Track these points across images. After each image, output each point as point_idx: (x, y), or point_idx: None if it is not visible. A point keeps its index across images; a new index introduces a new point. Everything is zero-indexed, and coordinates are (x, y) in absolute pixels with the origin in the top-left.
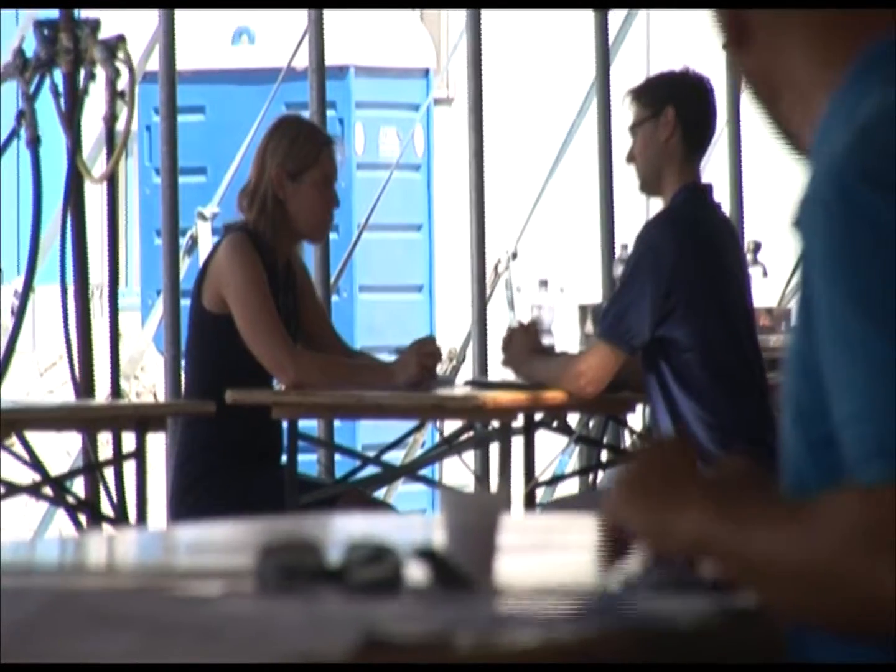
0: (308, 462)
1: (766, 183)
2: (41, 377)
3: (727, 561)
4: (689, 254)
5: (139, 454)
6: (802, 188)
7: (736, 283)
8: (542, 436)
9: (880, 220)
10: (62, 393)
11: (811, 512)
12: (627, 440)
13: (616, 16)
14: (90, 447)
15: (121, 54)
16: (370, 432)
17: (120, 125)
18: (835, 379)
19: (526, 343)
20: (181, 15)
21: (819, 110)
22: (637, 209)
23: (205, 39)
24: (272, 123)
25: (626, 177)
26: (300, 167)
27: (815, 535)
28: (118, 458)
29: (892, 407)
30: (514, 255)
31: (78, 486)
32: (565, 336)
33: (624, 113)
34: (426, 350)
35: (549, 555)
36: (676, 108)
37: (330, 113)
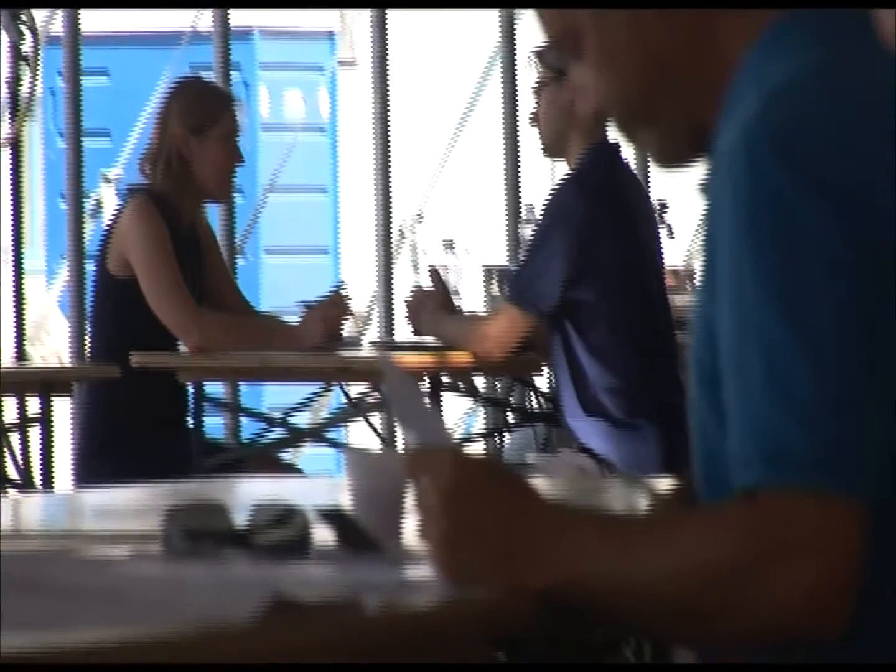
0: (215, 426)
1: None
2: None
3: (610, 587)
4: (598, 216)
5: (44, 418)
6: (711, 152)
7: (646, 243)
8: (448, 398)
9: (786, 195)
10: None
11: (690, 531)
12: (534, 402)
13: None
14: None
15: (24, 17)
16: (276, 395)
17: (24, 89)
18: (729, 349)
19: (432, 304)
20: None
21: (727, 83)
22: (542, 170)
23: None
24: (173, 83)
25: (532, 138)
26: (204, 123)
27: (695, 555)
28: (23, 423)
29: (780, 400)
30: (420, 217)
31: None
32: (471, 297)
33: (529, 74)
34: (330, 313)
35: None
36: None
37: (234, 76)
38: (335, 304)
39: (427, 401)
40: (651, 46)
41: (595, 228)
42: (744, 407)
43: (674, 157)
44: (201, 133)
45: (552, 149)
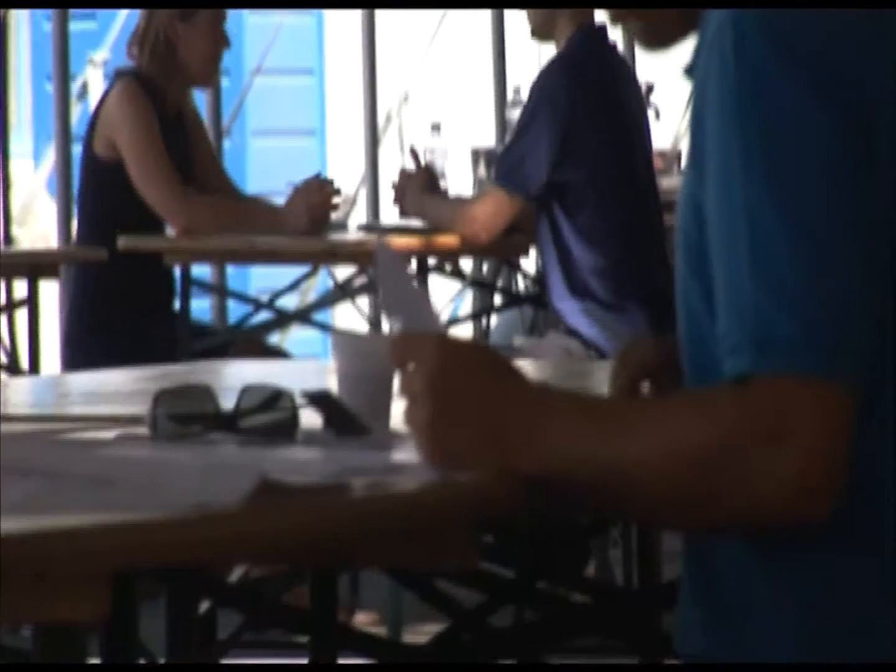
0: (202, 309)
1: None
2: None
3: (587, 472)
4: (585, 97)
5: (31, 302)
6: (698, 32)
7: (633, 124)
8: (435, 281)
9: (774, 75)
10: None
11: (679, 414)
12: (521, 284)
13: None
14: None
15: None
16: (263, 278)
17: None
18: (716, 235)
19: (416, 185)
20: None
21: None
22: (529, 53)
23: None
24: None
25: (519, 20)
26: (191, 6)
27: (686, 438)
28: (10, 306)
29: (765, 285)
30: (406, 99)
31: None
32: (458, 180)
33: None
34: (316, 195)
35: None
36: None
37: None
38: (320, 191)
39: (418, 285)
40: None
41: (581, 109)
42: (731, 291)
43: (661, 38)
44: (188, 18)
45: (540, 32)
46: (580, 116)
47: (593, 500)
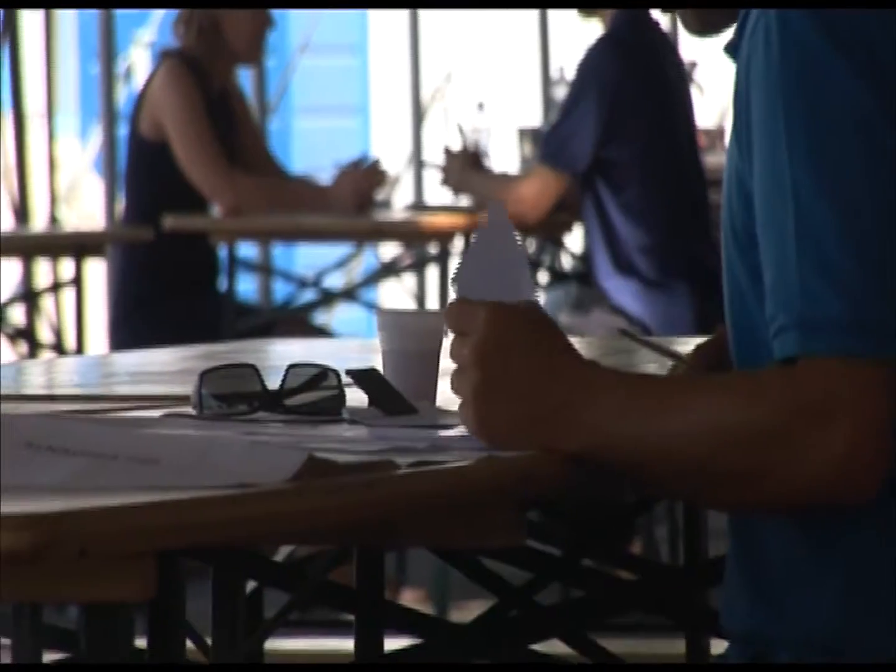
0: (247, 289)
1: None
2: None
3: (635, 451)
4: (631, 76)
5: (77, 281)
6: (739, 19)
7: (678, 103)
8: None
9: (818, 55)
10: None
11: (726, 391)
12: (565, 262)
13: None
14: (28, 275)
15: None
16: (309, 258)
17: None
18: (764, 217)
19: (460, 163)
20: None
21: None
22: (573, 30)
23: None
24: None
25: None
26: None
27: (739, 411)
28: (56, 286)
29: (813, 269)
30: (451, 78)
31: (17, 315)
32: (503, 159)
33: None
34: (362, 175)
35: None
36: None
37: None
38: (366, 171)
39: (524, 260)
40: None
41: (627, 87)
42: (778, 272)
43: (708, 23)
44: None
45: (584, 9)
46: (626, 95)
47: (639, 478)
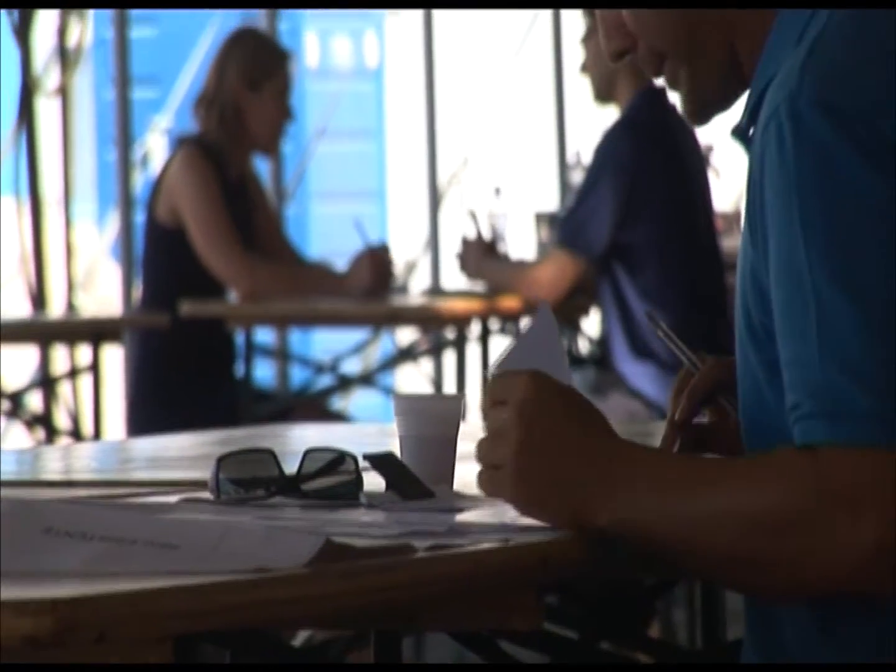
0: (264, 375)
1: None
2: None
3: (654, 540)
4: (647, 159)
5: (94, 367)
6: (753, 94)
7: (696, 186)
8: (498, 342)
9: (831, 155)
10: (19, 307)
11: (750, 476)
12: (582, 347)
13: None
14: (45, 361)
15: None
16: (326, 343)
17: (73, 38)
18: (783, 315)
19: (476, 250)
20: None
21: (762, 34)
22: (590, 115)
23: None
24: (231, 33)
25: (579, 84)
26: (260, 78)
27: (759, 501)
28: (74, 372)
29: (837, 360)
30: (466, 163)
31: (35, 401)
32: (520, 243)
33: (574, 21)
34: (378, 259)
35: None
36: None
37: (282, 23)
38: (382, 257)
39: (565, 357)
40: None
41: (645, 171)
42: (800, 365)
43: (703, 104)
44: (257, 86)
45: (602, 94)
46: (643, 179)
47: (664, 557)
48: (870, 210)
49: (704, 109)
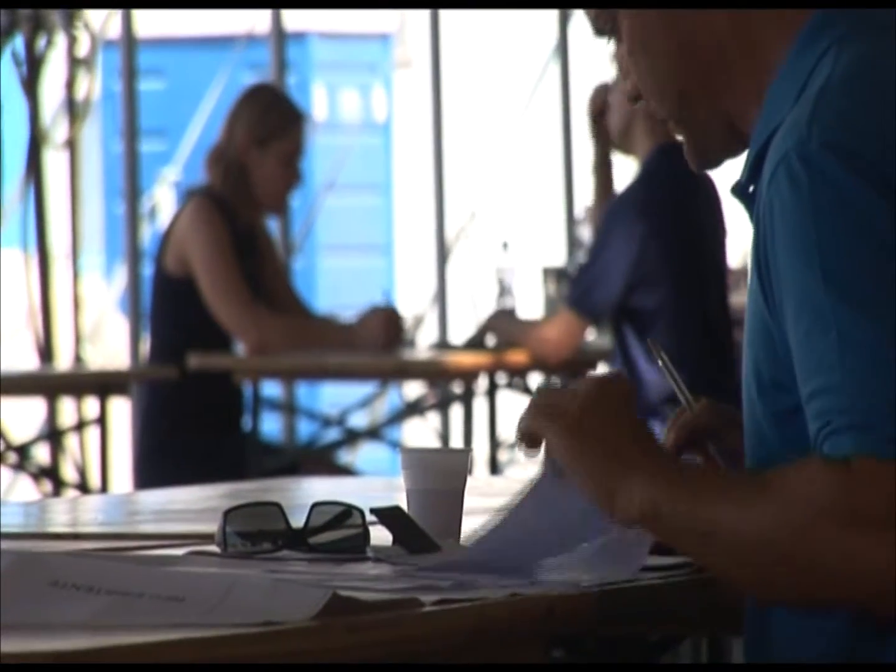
0: (271, 428)
1: None
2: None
3: (683, 537)
4: (661, 225)
5: (102, 420)
6: (752, 151)
7: (710, 246)
8: (505, 397)
9: (845, 192)
10: (27, 360)
11: (776, 485)
12: None
13: None
14: (52, 413)
15: (79, 21)
16: (333, 397)
17: (81, 91)
18: (804, 353)
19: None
20: None
21: (765, 80)
22: None
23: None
24: (247, 88)
25: (586, 139)
26: (268, 136)
27: (783, 508)
28: (81, 425)
29: (865, 382)
30: (474, 218)
31: (42, 454)
32: (528, 298)
33: (583, 78)
34: (389, 317)
35: None
36: None
37: (290, 76)
38: (390, 317)
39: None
40: (686, 38)
41: (657, 237)
42: (827, 395)
43: (707, 157)
44: (265, 145)
45: (621, 144)
46: (653, 245)
47: (688, 554)
48: (886, 242)
49: (706, 161)
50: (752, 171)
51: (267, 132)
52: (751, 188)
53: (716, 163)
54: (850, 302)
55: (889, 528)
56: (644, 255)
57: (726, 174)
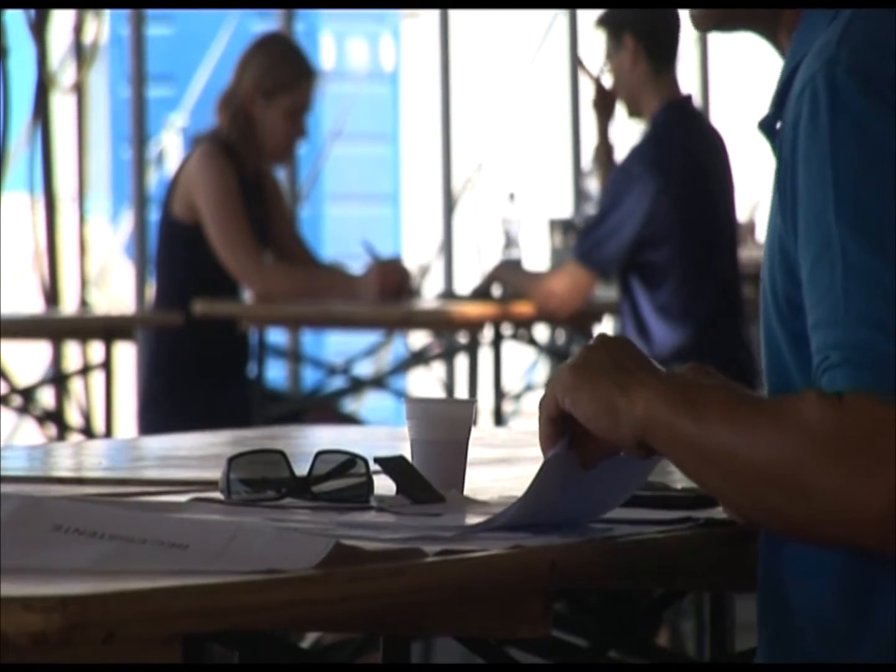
0: (276, 375)
1: (732, 97)
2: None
3: (682, 451)
4: (671, 182)
5: (107, 365)
6: (780, 83)
7: (720, 201)
8: (509, 348)
9: (865, 124)
10: (32, 303)
11: (775, 412)
12: None
13: None
14: (57, 357)
15: None
16: (338, 345)
17: (88, 36)
18: (811, 280)
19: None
20: None
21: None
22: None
23: None
24: (259, 37)
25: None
26: (275, 89)
27: (779, 437)
28: (86, 369)
29: (864, 318)
30: (481, 168)
31: (47, 397)
32: (534, 249)
33: (591, 26)
34: (388, 273)
35: (519, 467)
36: (633, 32)
37: (298, 24)
38: (395, 270)
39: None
40: None
41: (668, 193)
42: (827, 328)
43: (716, 20)
44: (271, 97)
45: (632, 110)
46: (663, 201)
47: (685, 471)
48: None
49: (716, 26)
50: (778, 106)
51: (274, 85)
52: (777, 124)
53: (728, 26)
54: (860, 234)
55: (882, 464)
56: (655, 211)
57: (734, 133)
